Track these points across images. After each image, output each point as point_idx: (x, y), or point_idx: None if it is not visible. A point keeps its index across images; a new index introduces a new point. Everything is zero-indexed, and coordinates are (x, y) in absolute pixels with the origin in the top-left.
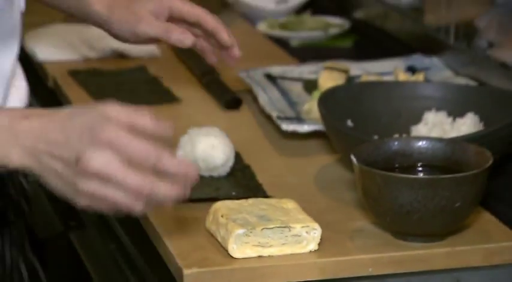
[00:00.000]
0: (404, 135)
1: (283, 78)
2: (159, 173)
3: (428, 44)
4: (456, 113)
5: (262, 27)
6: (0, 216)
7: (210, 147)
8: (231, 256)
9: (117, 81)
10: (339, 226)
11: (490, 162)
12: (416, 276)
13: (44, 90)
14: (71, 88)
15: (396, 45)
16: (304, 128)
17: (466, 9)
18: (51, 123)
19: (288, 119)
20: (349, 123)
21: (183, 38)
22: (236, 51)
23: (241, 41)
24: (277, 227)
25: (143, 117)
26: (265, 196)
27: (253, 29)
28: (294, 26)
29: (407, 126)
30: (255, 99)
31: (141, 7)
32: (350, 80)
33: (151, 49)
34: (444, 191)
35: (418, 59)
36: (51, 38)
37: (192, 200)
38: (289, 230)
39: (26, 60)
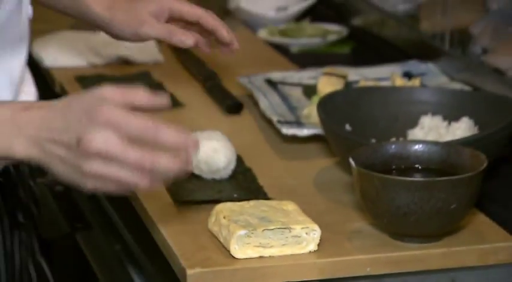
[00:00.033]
0: (401, 139)
1: (283, 83)
2: (160, 148)
3: (424, 50)
4: (451, 117)
5: (262, 34)
6: (10, 218)
7: (212, 151)
8: (232, 256)
9: (122, 86)
10: (338, 227)
11: (485, 165)
12: (413, 276)
13: (51, 95)
14: (77, 93)
15: (393, 52)
16: (304, 132)
17: (461, 16)
18: (51, 113)
19: (288, 123)
20: (348, 127)
21: (185, 38)
22: (235, 45)
23: (243, 48)
24: (278, 228)
25: (137, 93)
26: (266, 198)
27: (254, 36)
28: (293, 33)
29: (404, 130)
30: (256, 104)
31: (142, 9)
32: (348, 85)
33: (155, 55)
34: (440, 193)
35: (414, 65)
36: (58, 45)
37: (195, 202)
38: (290, 231)
39: (34, 66)
